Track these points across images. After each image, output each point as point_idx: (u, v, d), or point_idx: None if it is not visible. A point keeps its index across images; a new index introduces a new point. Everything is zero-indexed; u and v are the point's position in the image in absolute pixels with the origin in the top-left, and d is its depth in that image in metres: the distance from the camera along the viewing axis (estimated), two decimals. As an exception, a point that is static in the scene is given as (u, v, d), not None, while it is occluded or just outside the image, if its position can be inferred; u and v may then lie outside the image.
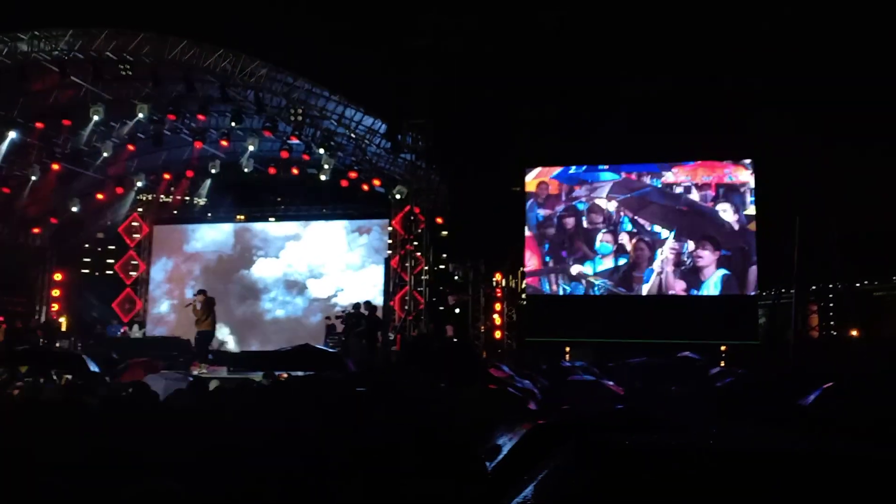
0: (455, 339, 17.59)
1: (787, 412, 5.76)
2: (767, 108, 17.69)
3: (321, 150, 19.24)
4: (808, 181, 17.79)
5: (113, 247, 24.85)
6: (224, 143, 20.35)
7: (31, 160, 19.92)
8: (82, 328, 22.39)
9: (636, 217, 18.86)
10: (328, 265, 23.02)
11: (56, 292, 23.46)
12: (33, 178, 20.11)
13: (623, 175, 19.12)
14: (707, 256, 18.08)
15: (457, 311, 20.57)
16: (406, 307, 19.61)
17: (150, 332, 23.18)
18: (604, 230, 18.96)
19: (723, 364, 15.79)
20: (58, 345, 19.58)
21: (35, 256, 23.33)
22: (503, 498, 2.24)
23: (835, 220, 18.02)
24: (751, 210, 18.06)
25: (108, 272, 24.88)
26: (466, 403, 7.93)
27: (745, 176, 18.25)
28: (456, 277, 21.05)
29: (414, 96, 17.74)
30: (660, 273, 18.53)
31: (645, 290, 18.65)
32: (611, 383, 10.13)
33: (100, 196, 22.51)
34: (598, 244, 19.03)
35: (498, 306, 19.92)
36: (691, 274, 18.32)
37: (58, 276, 23.52)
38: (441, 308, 21.13)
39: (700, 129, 18.62)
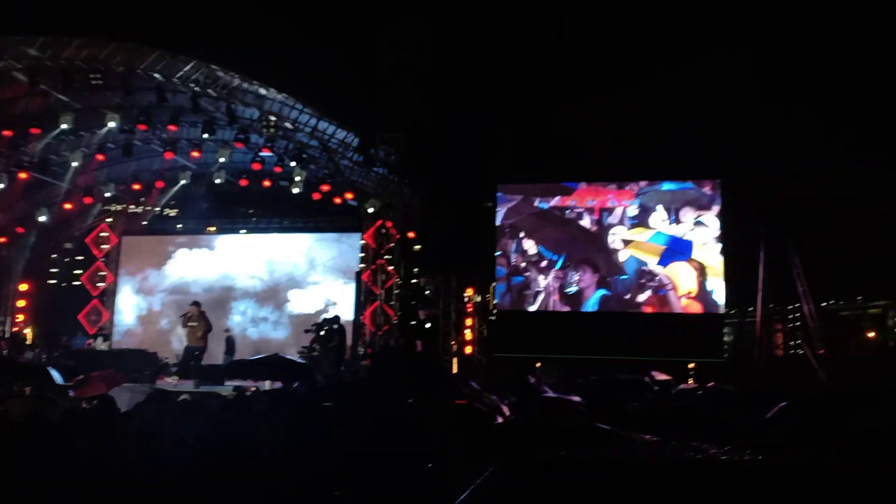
0: (424, 354, 17.59)
1: (747, 426, 5.89)
2: (734, 128, 18.04)
3: (293, 163, 19.23)
4: (773, 201, 18.15)
5: (81, 257, 24.49)
6: (195, 153, 20.25)
7: (-2, 168, 19.65)
8: (48, 340, 22.02)
9: (528, 239, 19.61)
10: (298, 278, 22.92)
11: (22, 303, 23.06)
12: (0, 186, 19.81)
13: (516, 199, 19.77)
14: (587, 279, 19.07)
15: (427, 325, 20.58)
16: (377, 321, 19.60)
17: (116, 344, 22.84)
18: (499, 253, 19.52)
19: (691, 381, 15.97)
20: (25, 356, 19.25)
21: (1, 266, 22.93)
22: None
23: (799, 241, 18.38)
24: (627, 235, 19.00)
25: (75, 283, 24.50)
26: (434, 418, 7.97)
27: (626, 200, 19.24)
28: (427, 292, 21.08)
29: (387, 110, 17.82)
30: (547, 294, 19.43)
31: (532, 309, 19.49)
32: (577, 399, 10.22)
33: (68, 206, 22.22)
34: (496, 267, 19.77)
35: (469, 321, 19.96)
36: (574, 296, 19.18)
37: (23, 287, 23.14)
38: (412, 322, 21.12)
39: (670, 148, 18.92)
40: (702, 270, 18.46)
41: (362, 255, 22.30)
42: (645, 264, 18.75)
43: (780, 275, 18.12)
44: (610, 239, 19.04)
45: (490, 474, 2.30)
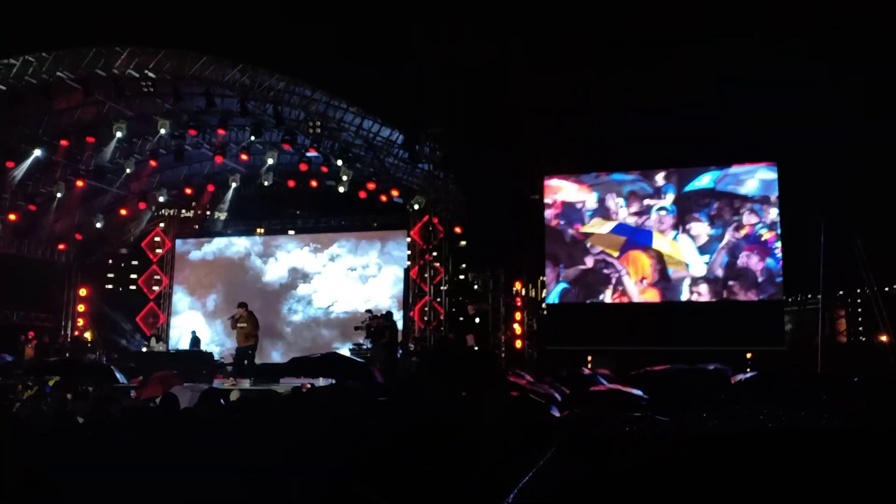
0: (476, 348, 17.51)
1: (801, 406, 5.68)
2: (790, 109, 17.50)
3: (339, 162, 19.34)
4: (832, 183, 17.55)
5: (136, 262, 25.15)
6: (244, 156, 20.54)
7: (56, 177, 20.24)
8: (107, 343, 22.65)
9: None
10: (347, 276, 23.08)
11: (81, 307, 23.78)
12: (59, 195, 20.41)
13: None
14: (548, 273, 19.48)
15: (476, 320, 20.50)
16: (426, 317, 19.59)
17: (174, 345, 23.35)
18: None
19: (749, 370, 15.55)
20: (87, 358, 19.83)
21: (61, 272, 23.66)
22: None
23: (861, 224, 17.73)
24: (587, 228, 19.12)
25: (131, 287, 25.17)
26: (489, 410, 7.89)
27: (585, 195, 19.41)
28: (475, 287, 20.99)
29: (430, 106, 17.79)
30: None
31: None
32: (634, 391, 10.02)
33: (123, 212, 22.81)
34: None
35: (518, 315, 19.82)
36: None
37: (83, 292, 23.85)
38: (461, 318, 21.04)
39: (724, 133, 18.45)
40: (660, 258, 18.50)
41: (409, 252, 22.34)
42: (605, 255, 19.00)
43: (842, 259, 17.50)
44: (569, 232, 19.29)
45: (551, 455, 2.23)
